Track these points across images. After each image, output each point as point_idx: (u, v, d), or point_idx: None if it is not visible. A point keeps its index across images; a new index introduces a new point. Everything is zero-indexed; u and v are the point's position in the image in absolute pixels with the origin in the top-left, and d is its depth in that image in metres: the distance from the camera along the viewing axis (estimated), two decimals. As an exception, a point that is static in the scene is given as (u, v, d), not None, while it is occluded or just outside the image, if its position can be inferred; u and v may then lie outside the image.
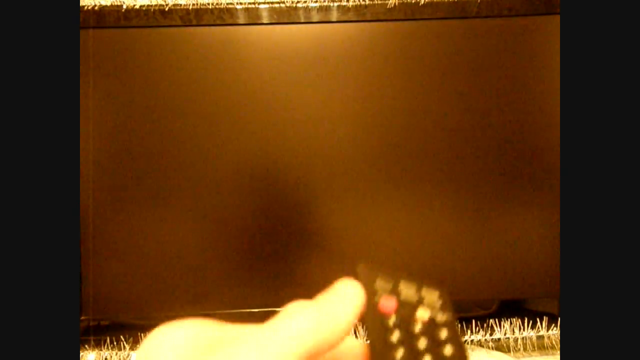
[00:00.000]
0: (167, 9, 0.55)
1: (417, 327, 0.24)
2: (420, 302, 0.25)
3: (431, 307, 0.25)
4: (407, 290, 0.25)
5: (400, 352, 0.22)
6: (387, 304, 0.24)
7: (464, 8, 0.56)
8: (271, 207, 0.56)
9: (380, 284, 0.25)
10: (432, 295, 0.25)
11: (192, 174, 0.56)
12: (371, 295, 0.24)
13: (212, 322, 0.21)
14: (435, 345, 0.23)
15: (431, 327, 0.24)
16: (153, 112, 0.56)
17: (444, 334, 0.23)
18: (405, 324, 0.24)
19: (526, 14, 0.56)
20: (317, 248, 0.56)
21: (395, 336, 0.23)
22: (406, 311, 0.24)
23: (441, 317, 0.24)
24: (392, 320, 0.24)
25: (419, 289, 0.25)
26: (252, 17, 0.55)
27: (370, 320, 0.24)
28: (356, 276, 0.25)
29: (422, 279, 0.26)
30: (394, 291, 0.25)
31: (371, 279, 0.25)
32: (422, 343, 0.23)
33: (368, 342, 0.23)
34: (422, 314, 0.24)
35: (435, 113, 0.57)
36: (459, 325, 0.24)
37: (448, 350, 0.23)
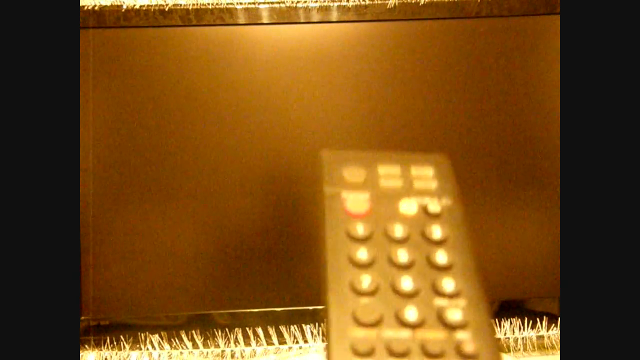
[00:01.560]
0: (167, 9, 0.55)
1: (398, 230, 0.17)
2: (406, 189, 0.18)
3: (421, 192, 0.18)
4: (388, 176, 0.18)
5: (366, 278, 0.16)
6: (356, 203, 0.17)
7: (464, 8, 0.56)
8: (271, 207, 0.56)
9: (350, 175, 0.18)
10: (424, 175, 0.18)
11: (192, 174, 0.56)
12: (335, 193, 0.18)
13: None
14: (423, 253, 0.16)
15: (420, 223, 0.17)
16: (153, 112, 0.56)
17: (438, 231, 0.17)
18: (382, 229, 0.17)
19: (526, 14, 0.56)
20: (317, 248, 0.56)
21: (363, 252, 0.16)
22: (384, 208, 0.17)
23: (435, 206, 0.18)
24: (361, 228, 0.17)
25: (405, 170, 0.18)
26: (252, 17, 0.55)
27: (331, 230, 0.17)
28: (319, 166, 0.18)
29: (413, 153, 0.19)
30: (369, 183, 0.18)
31: (338, 169, 0.18)
32: (403, 255, 0.16)
33: (324, 263, 0.17)
34: (408, 207, 0.18)
35: (435, 113, 0.57)
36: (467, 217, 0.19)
37: (442, 256, 0.16)
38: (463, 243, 0.17)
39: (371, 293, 0.16)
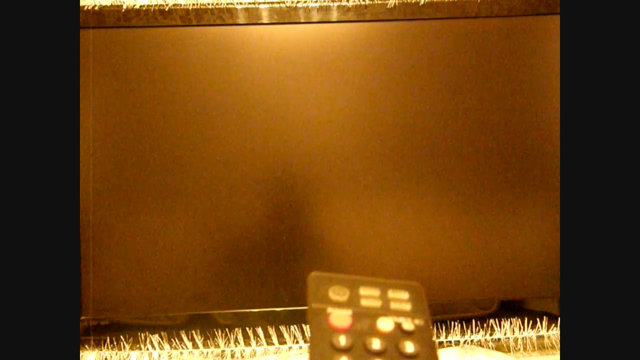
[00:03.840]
0: (167, 9, 0.55)
1: (376, 344, 0.19)
2: (384, 308, 0.20)
3: (397, 313, 0.20)
4: (368, 297, 0.21)
5: None
6: (340, 318, 0.20)
7: (464, 8, 0.56)
8: (271, 207, 0.56)
9: (335, 294, 0.21)
10: (399, 298, 0.21)
11: (192, 174, 0.56)
12: (322, 309, 0.20)
13: None
14: None
15: (395, 339, 0.19)
16: (153, 112, 0.56)
17: (410, 346, 0.19)
18: (361, 342, 0.19)
19: (526, 14, 0.56)
20: (317, 248, 0.56)
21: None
22: (364, 324, 0.20)
23: (409, 325, 0.20)
24: (343, 339, 0.19)
25: (383, 293, 0.21)
26: (252, 17, 0.55)
27: (316, 340, 0.19)
28: (307, 287, 0.21)
29: (392, 278, 0.21)
30: (351, 301, 0.21)
31: (324, 288, 0.21)
32: None
33: None
34: (384, 325, 0.20)
35: (434, 113, 0.57)
36: (435, 330, 0.19)
37: None
38: (433, 358, 0.19)
39: None
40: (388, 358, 0.18)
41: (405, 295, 0.21)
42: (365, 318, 0.20)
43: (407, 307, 0.21)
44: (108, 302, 0.56)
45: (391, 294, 0.21)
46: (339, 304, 0.21)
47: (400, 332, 0.20)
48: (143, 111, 0.56)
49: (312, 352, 0.19)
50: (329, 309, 0.20)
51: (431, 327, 0.20)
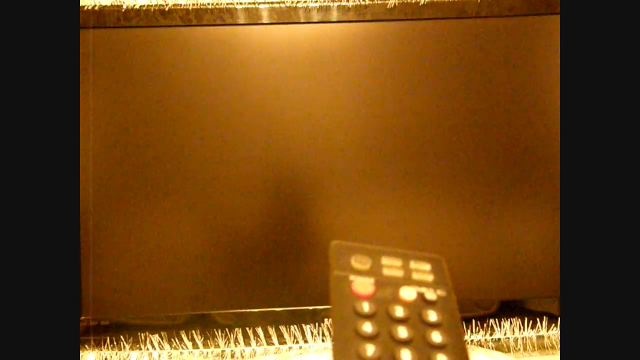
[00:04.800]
0: (167, 9, 0.55)
1: (399, 311, 0.19)
2: (406, 278, 0.21)
3: (419, 283, 0.20)
4: (390, 266, 0.21)
5: (371, 348, 0.18)
6: (362, 285, 0.20)
7: (464, 8, 0.56)
8: (271, 207, 0.56)
9: (357, 262, 0.21)
10: (422, 269, 0.21)
11: (192, 174, 0.56)
12: (344, 277, 0.20)
13: None
14: (420, 332, 0.19)
15: (418, 307, 0.20)
16: (153, 112, 0.56)
17: (433, 315, 0.19)
18: (384, 309, 0.19)
19: (526, 14, 0.56)
20: (317, 248, 0.56)
21: (368, 326, 0.19)
22: (387, 292, 0.20)
23: (432, 295, 0.20)
24: (366, 306, 0.19)
25: (405, 263, 0.21)
26: (252, 17, 0.55)
27: (340, 307, 0.19)
28: (328, 255, 0.21)
29: (413, 250, 0.22)
30: (373, 270, 0.21)
31: (345, 257, 0.21)
32: (403, 332, 0.18)
33: (332, 334, 0.19)
34: (407, 293, 0.20)
35: (435, 113, 0.57)
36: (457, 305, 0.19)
37: (437, 336, 0.18)
38: (456, 328, 0.19)
39: None
40: (411, 326, 0.18)
41: (427, 266, 0.21)
42: (387, 286, 0.20)
43: (429, 278, 0.21)
44: (108, 302, 0.56)
45: (413, 264, 0.21)
46: (361, 272, 0.20)
47: (423, 302, 0.20)
48: (143, 111, 0.56)
49: (335, 319, 0.19)
50: (352, 277, 0.20)
51: (454, 298, 0.20)
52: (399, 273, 0.21)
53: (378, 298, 0.20)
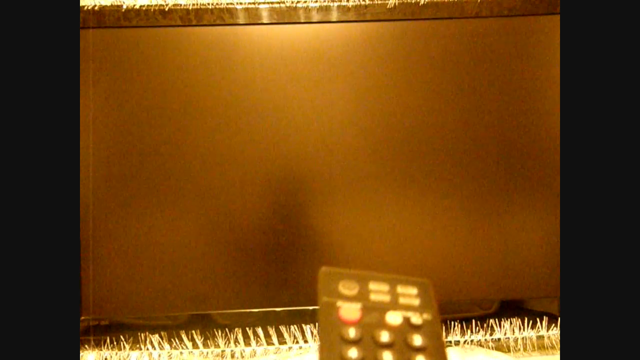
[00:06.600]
0: (167, 9, 0.55)
1: (385, 336, 0.20)
2: (392, 303, 0.21)
3: (406, 307, 0.21)
4: (377, 291, 0.21)
5: None
6: (349, 311, 0.20)
7: (464, 8, 0.56)
8: (271, 207, 0.56)
9: (345, 288, 0.21)
10: (408, 293, 0.21)
11: (192, 174, 0.56)
12: (332, 303, 0.20)
13: None
14: (405, 357, 0.19)
15: (403, 332, 0.20)
16: (153, 112, 0.56)
17: (419, 339, 0.20)
18: (370, 334, 0.20)
19: (526, 14, 0.56)
20: (318, 248, 0.56)
21: (353, 352, 0.19)
22: (373, 317, 0.20)
23: (417, 319, 0.20)
24: (352, 332, 0.20)
25: (392, 288, 0.21)
26: (252, 17, 0.55)
27: (327, 333, 0.19)
28: (317, 281, 0.21)
29: (401, 274, 0.22)
30: (361, 295, 0.21)
31: (334, 283, 0.21)
32: (388, 357, 0.19)
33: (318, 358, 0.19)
34: (394, 318, 0.20)
35: (435, 113, 0.57)
36: (443, 326, 0.19)
37: None
38: (441, 352, 0.19)
39: None
40: (396, 350, 0.19)
41: (414, 290, 0.21)
42: (374, 312, 0.20)
43: (416, 302, 0.21)
44: (108, 302, 0.56)
45: (400, 289, 0.21)
46: (348, 298, 0.21)
47: (409, 326, 0.20)
48: (143, 111, 0.56)
49: (322, 344, 0.19)
50: (339, 303, 0.20)
51: (439, 322, 0.20)
52: (386, 298, 0.21)
53: (364, 323, 0.20)
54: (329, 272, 0.22)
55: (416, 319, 0.20)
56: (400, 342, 0.19)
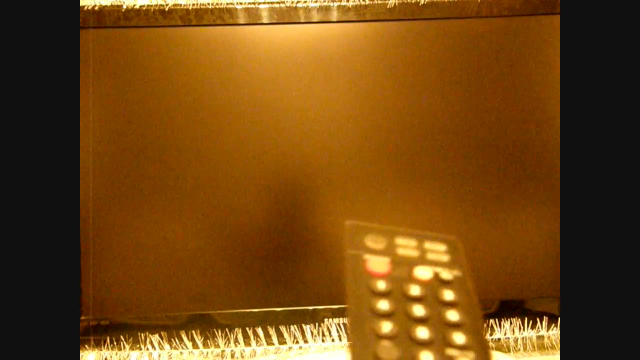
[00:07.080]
0: (167, 9, 0.55)
1: (415, 290, 0.19)
2: (421, 258, 0.20)
3: (435, 263, 0.20)
4: (405, 246, 0.21)
5: (387, 325, 0.18)
6: (377, 264, 0.20)
7: (464, 8, 0.56)
8: (271, 207, 0.56)
9: (372, 241, 0.21)
10: (437, 250, 0.21)
11: (192, 174, 0.56)
12: (359, 256, 0.20)
13: None
14: (436, 311, 0.19)
15: (433, 287, 0.19)
16: (153, 112, 0.56)
17: (449, 294, 0.19)
18: (399, 288, 0.19)
19: (526, 14, 0.56)
20: (318, 248, 0.56)
21: (383, 304, 0.19)
22: (402, 271, 0.20)
23: (447, 275, 0.20)
24: (382, 285, 0.19)
25: (420, 244, 0.21)
26: (252, 17, 0.55)
27: (354, 285, 0.19)
28: (344, 234, 0.21)
29: (427, 231, 0.21)
30: (388, 250, 0.21)
31: (360, 236, 0.21)
32: (419, 310, 0.18)
33: (347, 312, 0.18)
34: (423, 273, 0.20)
35: (435, 113, 0.57)
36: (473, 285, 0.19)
37: (453, 315, 0.18)
38: (473, 308, 0.18)
39: (391, 337, 0.18)
40: (427, 304, 0.18)
41: (442, 247, 0.21)
42: (402, 266, 0.20)
43: (445, 258, 0.21)
44: (108, 302, 0.56)
45: (428, 245, 0.21)
46: (375, 252, 0.20)
47: (439, 281, 0.20)
48: (143, 111, 0.56)
49: (350, 297, 0.19)
50: (366, 256, 0.20)
51: (470, 279, 0.20)
52: (414, 253, 0.21)
53: (393, 277, 0.19)
54: (356, 225, 0.21)
55: (446, 274, 0.20)
56: (430, 297, 0.19)
